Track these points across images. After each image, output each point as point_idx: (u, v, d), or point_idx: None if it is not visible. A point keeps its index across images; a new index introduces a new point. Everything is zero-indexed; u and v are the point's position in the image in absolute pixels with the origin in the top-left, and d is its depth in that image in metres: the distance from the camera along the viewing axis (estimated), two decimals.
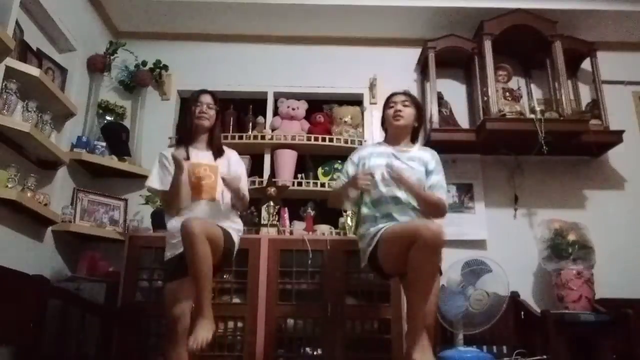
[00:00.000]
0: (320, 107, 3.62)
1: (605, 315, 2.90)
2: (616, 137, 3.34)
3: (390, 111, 2.37)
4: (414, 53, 3.69)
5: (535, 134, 3.11)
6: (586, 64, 3.63)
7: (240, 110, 3.54)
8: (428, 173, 2.32)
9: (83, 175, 3.28)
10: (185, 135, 2.43)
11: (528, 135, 3.14)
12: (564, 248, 3.05)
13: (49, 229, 2.90)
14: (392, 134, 2.41)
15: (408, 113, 2.35)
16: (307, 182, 3.29)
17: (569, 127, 3.23)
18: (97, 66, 3.35)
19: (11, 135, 2.54)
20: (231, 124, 3.43)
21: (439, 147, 3.37)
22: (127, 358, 2.63)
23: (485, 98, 3.32)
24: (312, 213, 3.18)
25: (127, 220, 3.27)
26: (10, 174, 2.46)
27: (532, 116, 3.19)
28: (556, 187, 3.50)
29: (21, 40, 2.68)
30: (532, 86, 3.70)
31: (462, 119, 3.59)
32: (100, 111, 3.42)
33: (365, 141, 3.39)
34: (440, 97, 3.53)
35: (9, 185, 2.43)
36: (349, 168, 2.42)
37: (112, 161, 3.24)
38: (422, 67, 3.68)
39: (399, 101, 2.36)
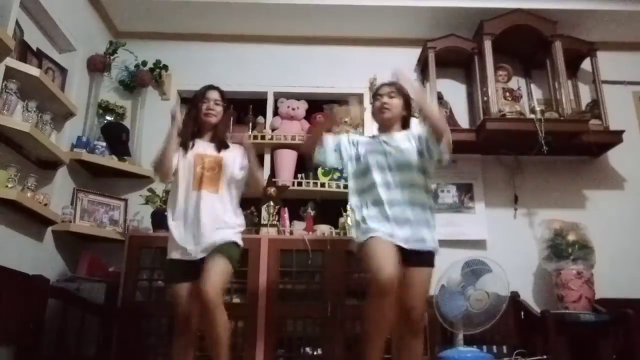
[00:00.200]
0: (320, 107, 3.62)
1: (605, 315, 2.90)
2: (616, 137, 3.34)
3: (377, 104, 2.35)
4: (414, 53, 3.69)
5: (535, 134, 3.11)
6: (586, 64, 3.63)
7: (240, 110, 3.53)
8: (419, 139, 2.26)
9: (83, 175, 3.28)
10: (190, 130, 2.40)
11: (528, 135, 3.14)
12: (564, 248, 3.05)
13: (49, 229, 2.90)
14: (382, 126, 2.40)
15: (395, 104, 2.32)
16: (307, 182, 3.29)
17: (569, 127, 3.24)
18: (97, 66, 3.35)
19: (11, 135, 2.54)
20: (231, 124, 3.43)
21: None
22: (127, 358, 2.63)
23: (485, 98, 3.33)
24: (312, 213, 3.19)
25: (127, 220, 3.27)
26: (10, 174, 2.46)
27: (532, 116, 3.19)
28: (556, 187, 3.50)
29: (21, 40, 2.68)
30: (532, 86, 3.70)
31: (462, 119, 3.59)
32: (100, 111, 3.42)
33: None
34: (440, 97, 3.53)
35: (9, 185, 2.43)
36: (344, 135, 2.40)
37: (112, 161, 3.24)
38: (422, 67, 3.68)
39: (385, 93, 2.34)
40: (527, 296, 3.21)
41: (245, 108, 3.54)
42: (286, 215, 3.24)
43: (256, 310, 2.69)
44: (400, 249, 2.06)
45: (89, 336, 2.62)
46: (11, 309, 2.00)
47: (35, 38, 2.87)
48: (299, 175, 3.34)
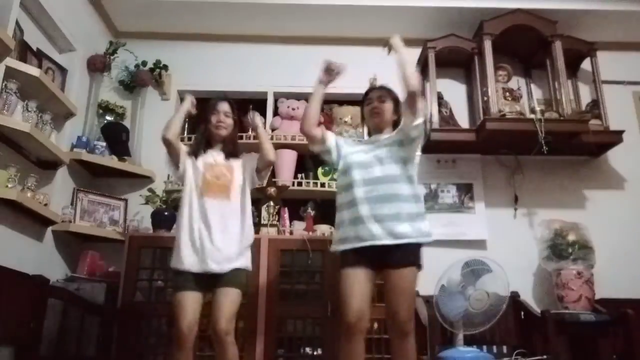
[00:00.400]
0: (320, 107, 3.61)
1: (605, 315, 2.90)
2: (616, 137, 3.34)
3: (368, 108, 2.36)
4: (414, 53, 3.68)
5: (535, 134, 3.11)
6: (586, 64, 3.63)
7: (240, 110, 3.53)
8: (400, 130, 2.26)
9: (83, 175, 3.28)
10: (201, 141, 2.43)
11: (528, 135, 3.14)
12: (564, 248, 3.05)
13: (49, 229, 2.90)
14: (373, 130, 2.40)
15: (385, 108, 2.33)
16: (307, 182, 3.29)
17: (569, 127, 3.24)
18: (97, 66, 3.35)
19: (11, 135, 2.54)
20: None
21: (439, 147, 3.42)
22: (127, 358, 2.63)
23: (485, 98, 3.33)
24: (312, 213, 3.19)
25: (127, 220, 3.27)
26: (10, 174, 2.46)
27: (532, 116, 3.19)
28: (556, 187, 3.50)
29: (21, 40, 2.68)
30: (532, 86, 3.70)
31: (462, 119, 3.59)
32: (100, 111, 3.42)
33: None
34: (440, 97, 3.53)
35: (9, 185, 2.43)
36: (333, 136, 2.40)
37: (112, 161, 3.24)
38: (422, 67, 3.68)
39: (375, 97, 2.35)
40: (527, 296, 3.21)
41: (245, 108, 3.53)
42: (286, 215, 3.24)
43: (256, 310, 2.69)
44: (377, 250, 2.05)
45: (89, 336, 2.62)
46: (11, 309, 2.00)
47: (35, 38, 2.87)
48: (299, 175, 3.34)
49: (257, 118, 2.51)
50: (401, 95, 2.30)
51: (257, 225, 3.05)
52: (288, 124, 3.51)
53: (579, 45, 3.54)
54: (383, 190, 2.11)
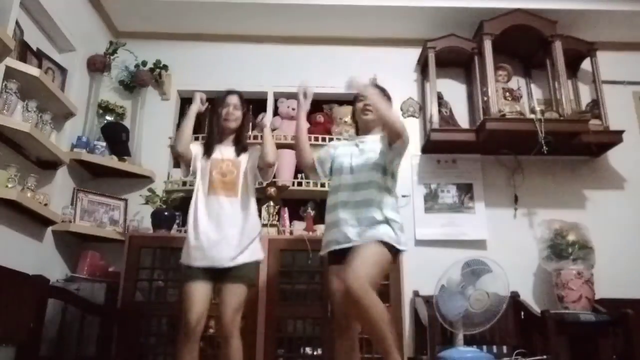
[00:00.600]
0: (320, 107, 3.62)
1: (605, 315, 2.90)
2: (616, 137, 3.34)
3: (360, 105, 2.37)
4: (414, 53, 3.70)
5: (535, 134, 3.11)
6: (586, 64, 3.63)
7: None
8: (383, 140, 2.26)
9: (83, 175, 3.28)
10: (212, 135, 2.45)
11: (528, 135, 3.14)
12: (564, 248, 3.05)
13: (49, 229, 2.90)
14: (362, 127, 2.41)
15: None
16: (307, 182, 3.29)
17: (569, 127, 3.23)
18: (97, 66, 3.35)
19: (11, 135, 2.54)
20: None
21: (439, 147, 3.42)
22: (127, 358, 2.63)
23: (485, 98, 3.32)
24: (312, 213, 3.19)
25: (127, 220, 3.27)
26: (10, 174, 2.46)
27: (532, 116, 3.19)
28: (556, 187, 3.50)
29: (21, 40, 2.68)
30: (532, 86, 3.70)
31: (462, 119, 3.59)
32: (100, 111, 3.42)
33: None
34: (440, 97, 3.53)
35: (9, 185, 2.43)
36: (323, 150, 2.43)
37: (112, 161, 3.24)
38: (422, 67, 3.68)
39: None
40: (527, 296, 3.21)
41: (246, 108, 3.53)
42: (286, 215, 3.24)
43: (256, 310, 2.69)
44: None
45: (89, 336, 2.62)
46: (11, 309, 2.00)
47: (35, 38, 2.87)
48: (299, 175, 3.34)
49: (267, 119, 2.68)
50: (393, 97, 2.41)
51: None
52: (288, 124, 3.51)
53: (579, 45, 3.54)
54: (359, 196, 2.15)
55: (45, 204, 2.76)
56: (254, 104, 3.56)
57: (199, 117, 3.54)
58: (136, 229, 3.16)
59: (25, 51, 2.73)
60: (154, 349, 2.73)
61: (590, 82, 3.60)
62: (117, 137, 3.34)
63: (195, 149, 2.40)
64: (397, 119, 2.22)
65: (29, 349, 2.08)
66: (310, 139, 3.34)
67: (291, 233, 3.12)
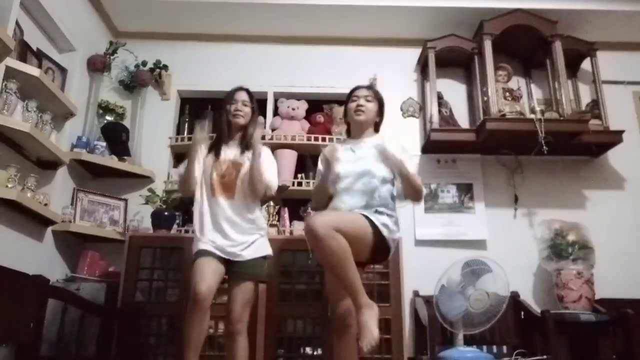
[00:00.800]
0: (320, 107, 3.62)
1: (605, 315, 2.90)
2: (616, 137, 3.34)
3: (353, 105, 2.35)
4: (414, 53, 3.69)
5: (535, 134, 3.11)
6: (586, 64, 3.63)
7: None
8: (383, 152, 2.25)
9: (83, 175, 3.28)
10: (221, 132, 2.45)
11: (528, 135, 3.14)
12: (564, 248, 3.05)
13: (49, 229, 2.90)
14: (354, 128, 2.40)
15: (370, 108, 2.33)
16: (307, 182, 3.29)
17: (569, 127, 3.23)
18: (97, 66, 3.35)
19: (11, 135, 2.54)
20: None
21: (439, 147, 3.42)
22: (127, 358, 2.63)
23: (485, 98, 3.32)
24: (312, 213, 3.18)
25: (127, 220, 3.27)
26: (10, 174, 2.46)
27: (532, 116, 3.19)
28: (556, 187, 3.50)
29: (21, 40, 2.68)
30: (532, 86, 3.70)
31: (462, 119, 3.59)
32: (100, 111, 3.42)
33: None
34: (440, 97, 3.53)
35: (9, 185, 2.43)
36: (320, 166, 2.41)
37: (112, 161, 3.24)
38: (422, 67, 3.68)
39: (362, 96, 2.34)
40: (527, 296, 3.21)
41: None
42: (286, 215, 3.24)
43: (256, 310, 2.69)
44: None
45: (89, 336, 2.62)
46: (11, 309, 2.00)
47: (35, 38, 2.87)
48: (299, 175, 3.34)
49: (259, 147, 2.33)
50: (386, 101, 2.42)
51: None
52: (288, 124, 3.51)
53: (579, 45, 3.54)
54: (357, 202, 2.15)
55: (45, 204, 2.76)
56: None
57: (199, 118, 3.56)
58: (136, 229, 3.16)
59: (25, 51, 2.73)
60: (154, 349, 2.72)
61: (590, 82, 3.60)
62: (117, 137, 3.34)
63: (200, 164, 2.38)
64: (421, 185, 2.24)
65: (29, 349, 2.08)
66: (310, 139, 3.37)
67: (291, 233, 3.12)
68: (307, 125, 3.53)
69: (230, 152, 2.40)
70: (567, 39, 3.45)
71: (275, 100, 3.61)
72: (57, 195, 2.94)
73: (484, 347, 2.91)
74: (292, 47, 3.76)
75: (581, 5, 3.47)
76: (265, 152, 2.43)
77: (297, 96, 3.59)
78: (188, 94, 3.72)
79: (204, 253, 2.22)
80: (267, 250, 2.37)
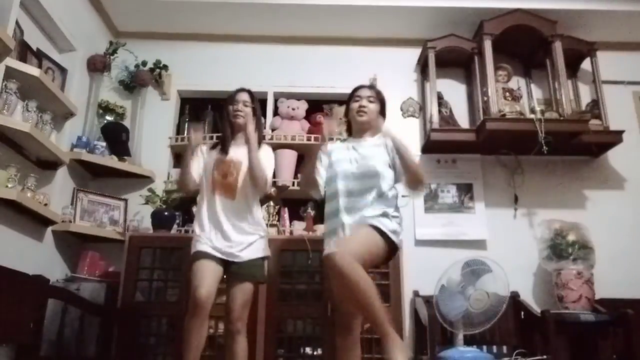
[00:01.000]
0: (320, 107, 3.62)
1: (605, 315, 2.90)
2: (616, 137, 3.34)
3: (355, 105, 2.34)
4: (414, 53, 3.69)
5: (535, 134, 3.11)
6: (586, 64, 3.63)
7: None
8: (389, 149, 2.26)
9: (83, 175, 3.28)
10: (225, 134, 2.47)
11: (528, 135, 3.14)
12: (564, 248, 3.05)
13: (49, 229, 2.90)
14: (356, 128, 2.39)
15: (372, 109, 2.32)
16: None
17: (569, 127, 3.23)
18: (97, 66, 3.35)
19: (11, 135, 2.54)
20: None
21: (439, 147, 3.42)
22: (127, 358, 2.63)
23: (485, 98, 3.32)
24: (312, 213, 3.18)
25: (127, 220, 3.27)
26: (10, 174, 2.46)
27: (532, 116, 3.19)
28: (556, 187, 3.50)
29: (21, 40, 2.68)
30: (532, 86, 3.70)
31: (462, 119, 3.59)
32: (100, 111, 3.42)
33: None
34: (440, 97, 3.53)
35: (9, 185, 2.43)
36: (322, 158, 2.38)
37: (112, 161, 3.24)
38: (422, 67, 3.68)
39: (365, 96, 2.33)
40: (527, 296, 3.21)
41: None
42: (286, 215, 3.24)
43: (256, 310, 2.69)
44: None
45: (89, 336, 2.62)
46: (11, 309, 2.00)
47: (35, 38, 2.87)
48: (299, 175, 3.34)
49: (254, 139, 2.32)
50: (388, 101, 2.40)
51: None
52: (288, 124, 3.51)
53: (579, 45, 3.54)
54: (362, 202, 2.14)
55: (45, 204, 2.76)
56: None
57: (199, 118, 3.56)
58: (136, 229, 3.16)
59: (25, 51, 2.73)
60: (154, 349, 2.72)
61: (590, 82, 3.60)
62: (117, 137, 3.34)
63: (200, 162, 2.41)
64: (422, 172, 2.23)
65: (29, 349, 2.08)
66: (310, 139, 3.37)
67: (291, 233, 3.12)
68: (307, 125, 3.53)
69: (233, 152, 2.41)
70: (567, 39, 3.45)
71: (275, 100, 3.61)
72: (57, 195, 2.94)
73: (484, 347, 2.90)
74: (292, 47, 3.76)
75: (581, 5, 3.47)
76: (265, 150, 2.44)
77: (297, 96, 3.59)
78: (188, 94, 3.72)
79: (203, 255, 2.22)
80: (265, 251, 2.38)
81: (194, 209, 2.69)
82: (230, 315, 2.21)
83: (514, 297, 3.03)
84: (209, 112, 3.53)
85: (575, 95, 3.59)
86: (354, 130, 2.42)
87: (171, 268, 2.83)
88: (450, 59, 3.58)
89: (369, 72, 3.61)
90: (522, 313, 3.04)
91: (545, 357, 2.70)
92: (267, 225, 2.97)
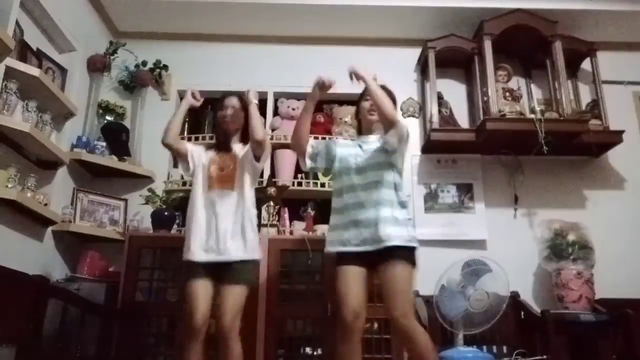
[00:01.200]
0: (320, 107, 3.62)
1: (605, 315, 2.90)
2: (616, 137, 3.34)
3: (366, 104, 2.35)
4: (414, 53, 3.69)
5: (535, 134, 3.11)
6: (586, 64, 3.63)
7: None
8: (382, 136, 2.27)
9: (83, 175, 3.28)
10: (217, 139, 2.49)
11: (528, 135, 3.14)
12: (564, 248, 3.05)
13: (49, 229, 2.90)
14: (365, 127, 2.40)
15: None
16: (307, 182, 3.29)
17: (569, 127, 3.23)
18: (97, 66, 3.35)
19: (11, 135, 2.54)
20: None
21: (439, 147, 3.42)
22: (127, 358, 2.63)
23: (485, 98, 3.32)
24: (312, 213, 3.18)
25: (127, 220, 3.27)
26: (10, 174, 2.46)
27: (532, 116, 3.19)
28: (556, 187, 3.50)
29: (21, 40, 2.68)
30: (532, 86, 3.70)
31: (462, 119, 3.59)
32: (100, 111, 3.42)
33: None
34: (440, 97, 3.53)
35: (9, 185, 2.43)
36: (319, 141, 2.44)
37: (112, 161, 3.24)
38: (422, 67, 3.68)
39: None
40: (527, 296, 3.21)
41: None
42: (286, 215, 3.24)
43: (256, 310, 2.69)
44: (368, 254, 2.09)
45: (89, 336, 2.62)
46: (11, 309, 2.00)
47: (35, 38, 2.87)
48: (299, 175, 3.34)
49: (252, 94, 2.45)
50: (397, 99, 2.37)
51: (258, 225, 3.05)
52: (288, 124, 3.51)
53: (579, 45, 3.54)
54: (369, 196, 2.15)
55: (45, 204, 2.76)
56: None
57: (199, 117, 3.57)
58: (136, 229, 3.16)
59: (25, 51, 2.73)
60: (154, 349, 2.73)
61: (590, 82, 3.60)
62: (117, 137, 3.34)
63: (192, 147, 2.43)
64: (392, 111, 2.19)
65: (29, 349, 2.08)
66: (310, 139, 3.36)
67: (291, 233, 3.12)
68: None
69: (224, 148, 2.43)
70: (567, 39, 3.45)
71: (275, 100, 3.61)
72: (57, 195, 2.94)
73: (484, 347, 2.90)
74: (292, 47, 3.76)
75: (581, 5, 3.47)
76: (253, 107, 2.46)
77: (297, 96, 3.59)
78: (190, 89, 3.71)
79: (195, 274, 2.20)
80: (258, 254, 2.34)
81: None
82: (222, 321, 2.15)
83: (514, 297, 3.03)
84: (209, 112, 3.53)
85: (575, 95, 3.59)
86: (363, 129, 2.43)
87: (171, 268, 2.83)
88: (450, 59, 3.58)
89: (369, 72, 3.60)
90: (522, 313, 3.04)
91: (545, 357, 2.70)
92: (267, 225, 2.98)
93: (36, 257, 2.75)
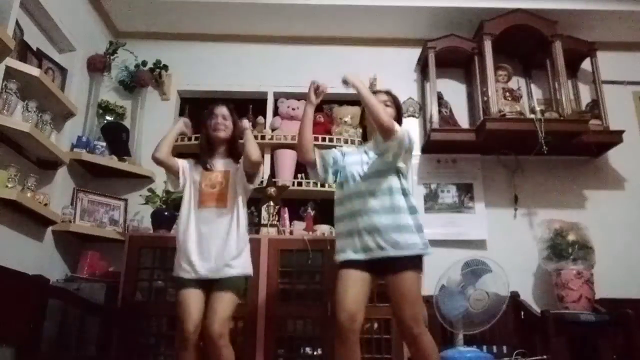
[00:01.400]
0: (320, 107, 3.61)
1: (605, 315, 2.90)
2: (616, 137, 3.34)
3: None
4: (414, 53, 3.69)
5: (535, 134, 3.11)
6: (586, 64, 3.63)
7: (240, 110, 3.53)
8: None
9: (83, 175, 3.28)
10: (203, 148, 2.45)
11: (528, 135, 3.15)
12: (564, 248, 3.05)
13: (49, 229, 2.90)
14: (372, 132, 2.36)
15: (389, 114, 2.31)
16: (307, 182, 3.28)
17: (569, 127, 3.23)
18: (97, 66, 3.35)
19: (11, 135, 2.54)
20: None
21: (439, 147, 3.42)
22: (127, 358, 2.62)
23: (485, 98, 3.33)
24: (312, 213, 3.19)
25: (127, 220, 3.27)
26: (10, 174, 2.46)
27: (532, 116, 3.20)
28: (556, 187, 3.50)
29: (21, 40, 2.68)
30: (532, 86, 3.70)
31: (462, 119, 3.59)
32: (100, 111, 3.43)
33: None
34: (440, 97, 3.53)
35: (9, 185, 2.43)
36: (327, 151, 2.40)
37: (112, 161, 3.24)
38: (422, 67, 3.68)
39: (382, 101, 2.30)
40: (527, 296, 3.21)
41: (245, 108, 3.54)
42: (286, 215, 3.24)
43: (256, 310, 2.69)
44: (376, 262, 2.07)
45: (89, 336, 2.62)
46: (11, 309, 2.00)
47: (35, 38, 2.87)
48: (299, 175, 3.34)
49: (244, 123, 2.46)
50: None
51: (257, 225, 3.05)
52: (288, 124, 3.51)
53: (579, 45, 3.54)
54: (376, 203, 2.11)
55: (45, 204, 2.76)
56: (254, 104, 3.57)
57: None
58: (136, 229, 3.16)
59: (25, 51, 2.73)
60: (154, 349, 2.72)
61: (590, 82, 3.60)
62: (117, 137, 3.34)
63: (183, 162, 2.40)
64: (386, 117, 2.11)
65: (29, 349, 2.08)
66: None
67: (291, 233, 3.12)
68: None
69: (217, 164, 2.39)
70: (567, 39, 3.45)
71: (275, 100, 3.61)
72: (57, 195, 2.94)
73: (484, 347, 2.90)
74: (292, 47, 3.77)
75: (581, 5, 3.47)
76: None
77: (297, 96, 3.58)
78: (188, 94, 3.72)
79: (186, 284, 2.20)
80: (249, 269, 2.33)
81: None
82: (210, 328, 2.12)
83: (514, 297, 3.03)
84: (208, 113, 3.52)
85: (575, 95, 3.59)
86: (369, 134, 2.40)
87: (171, 268, 2.81)
88: (450, 59, 3.58)
89: (369, 72, 3.61)
90: (522, 313, 3.04)
91: (545, 357, 2.70)
92: (267, 225, 2.98)
93: (36, 257, 2.75)
